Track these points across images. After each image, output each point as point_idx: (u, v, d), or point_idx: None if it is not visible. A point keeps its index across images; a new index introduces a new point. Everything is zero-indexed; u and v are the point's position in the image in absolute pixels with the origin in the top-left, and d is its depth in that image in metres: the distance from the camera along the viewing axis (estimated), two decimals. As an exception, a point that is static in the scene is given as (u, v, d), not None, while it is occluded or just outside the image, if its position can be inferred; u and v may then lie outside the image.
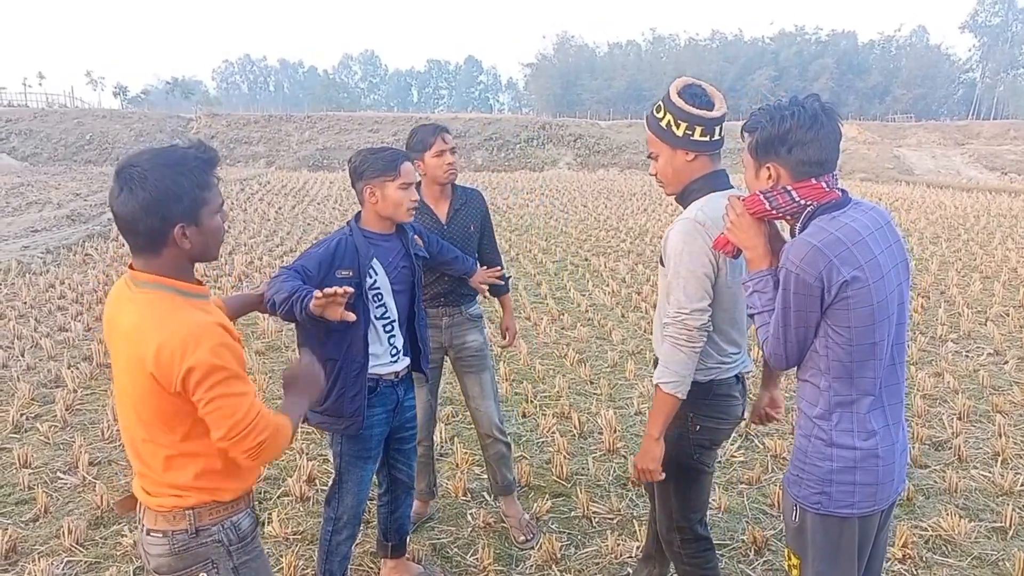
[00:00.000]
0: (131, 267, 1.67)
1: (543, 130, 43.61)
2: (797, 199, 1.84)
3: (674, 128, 2.22)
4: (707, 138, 2.22)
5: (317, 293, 2.25)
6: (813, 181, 1.83)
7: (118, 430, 4.76)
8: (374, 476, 2.93)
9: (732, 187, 2.33)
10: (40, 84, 79.08)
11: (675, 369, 2.19)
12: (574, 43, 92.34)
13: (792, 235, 1.92)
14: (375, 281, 2.72)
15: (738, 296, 2.27)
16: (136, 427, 1.69)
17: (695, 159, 2.25)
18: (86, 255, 11.35)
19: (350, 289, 2.31)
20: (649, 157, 2.38)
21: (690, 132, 2.21)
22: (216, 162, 1.70)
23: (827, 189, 1.84)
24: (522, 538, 3.49)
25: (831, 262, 1.74)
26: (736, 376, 2.39)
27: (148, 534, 1.74)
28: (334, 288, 2.25)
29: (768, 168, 1.86)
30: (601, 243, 12.93)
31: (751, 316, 2.01)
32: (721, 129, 2.24)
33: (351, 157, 2.79)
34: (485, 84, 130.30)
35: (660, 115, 2.26)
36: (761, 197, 1.89)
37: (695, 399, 2.30)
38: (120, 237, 12.61)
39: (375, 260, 2.72)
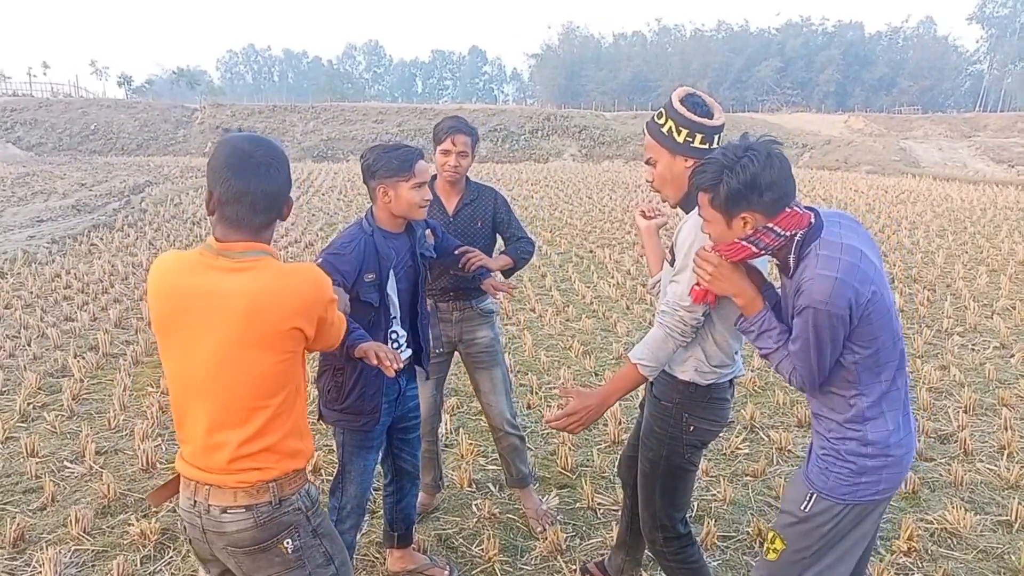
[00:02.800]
0: (218, 240, 1.74)
1: (548, 121, 43.50)
2: (782, 233, 1.89)
3: (675, 134, 2.26)
4: (706, 146, 2.25)
5: (374, 353, 2.22)
6: (787, 210, 1.88)
7: (124, 419, 4.78)
8: (377, 465, 2.94)
9: None
10: (45, 74, 79.49)
11: (659, 356, 2.24)
12: (579, 34, 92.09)
13: (786, 268, 1.94)
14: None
15: None
16: (234, 397, 1.73)
17: (693, 166, 2.27)
18: (91, 245, 11.37)
19: (403, 363, 2.31)
20: (647, 163, 2.40)
21: (691, 139, 2.25)
22: None
23: (801, 212, 1.89)
24: (540, 528, 3.50)
25: (854, 288, 1.80)
26: (730, 381, 2.43)
27: (225, 512, 1.76)
28: (393, 355, 2.22)
29: (743, 218, 1.90)
30: (606, 235, 12.91)
31: (765, 357, 2.03)
32: (720, 139, 2.26)
33: (364, 153, 2.74)
34: (490, 75, 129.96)
35: (661, 121, 2.29)
36: (744, 243, 1.93)
37: (693, 401, 2.36)
38: (127, 228, 12.72)
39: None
